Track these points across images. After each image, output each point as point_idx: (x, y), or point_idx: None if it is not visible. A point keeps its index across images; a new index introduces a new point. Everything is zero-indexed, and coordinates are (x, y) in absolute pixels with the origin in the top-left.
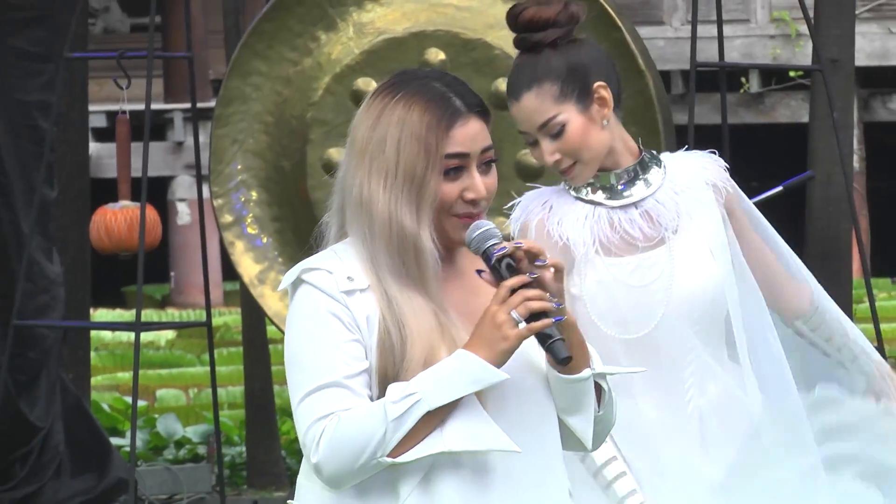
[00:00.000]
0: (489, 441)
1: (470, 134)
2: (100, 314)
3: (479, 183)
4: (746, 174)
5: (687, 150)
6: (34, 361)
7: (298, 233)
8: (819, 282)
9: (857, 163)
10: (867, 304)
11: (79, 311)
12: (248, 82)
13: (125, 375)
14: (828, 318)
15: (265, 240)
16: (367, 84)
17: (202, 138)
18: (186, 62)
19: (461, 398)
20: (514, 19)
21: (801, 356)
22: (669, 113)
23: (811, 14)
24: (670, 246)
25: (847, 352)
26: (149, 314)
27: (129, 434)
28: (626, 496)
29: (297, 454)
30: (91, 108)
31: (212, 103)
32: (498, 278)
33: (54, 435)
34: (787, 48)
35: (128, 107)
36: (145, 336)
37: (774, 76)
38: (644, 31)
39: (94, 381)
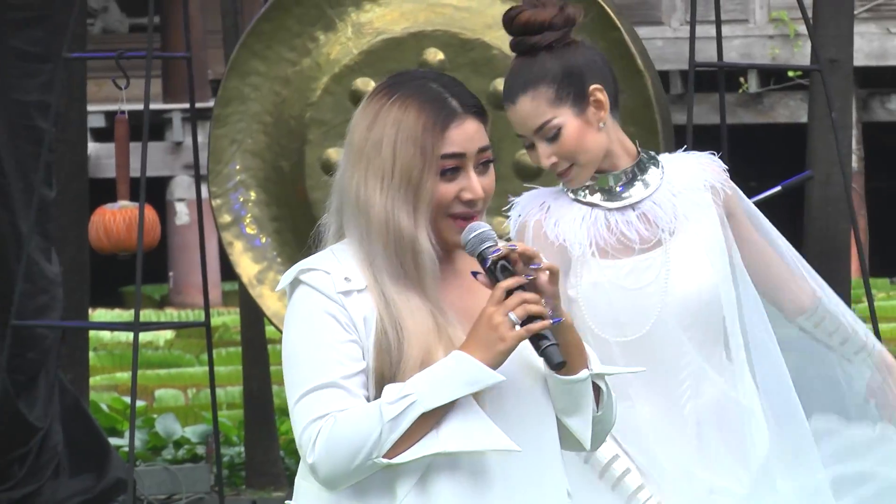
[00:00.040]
0: (487, 441)
1: (466, 134)
2: (98, 314)
3: (476, 183)
4: (745, 174)
5: (686, 150)
6: (33, 362)
7: (297, 233)
8: None
9: (855, 163)
10: (866, 303)
11: (77, 311)
12: (246, 82)
13: (124, 375)
14: (830, 314)
15: (264, 240)
16: (366, 84)
17: (201, 138)
18: (185, 62)
19: (458, 398)
20: (509, 22)
21: (804, 352)
22: (668, 113)
23: (810, 14)
24: (667, 248)
25: (851, 346)
26: (147, 314)
27: (127, 434)
28: (636, 490)
29: (296, 454)
30: (90, 108)
31: (210, 103)
32: (493, 280)
33: (53, 435)
34: (785, 48)
35: (126, 107)
36: (144, 336)
37: (773, 76)
38: (643, 32)
39: (92, 381)
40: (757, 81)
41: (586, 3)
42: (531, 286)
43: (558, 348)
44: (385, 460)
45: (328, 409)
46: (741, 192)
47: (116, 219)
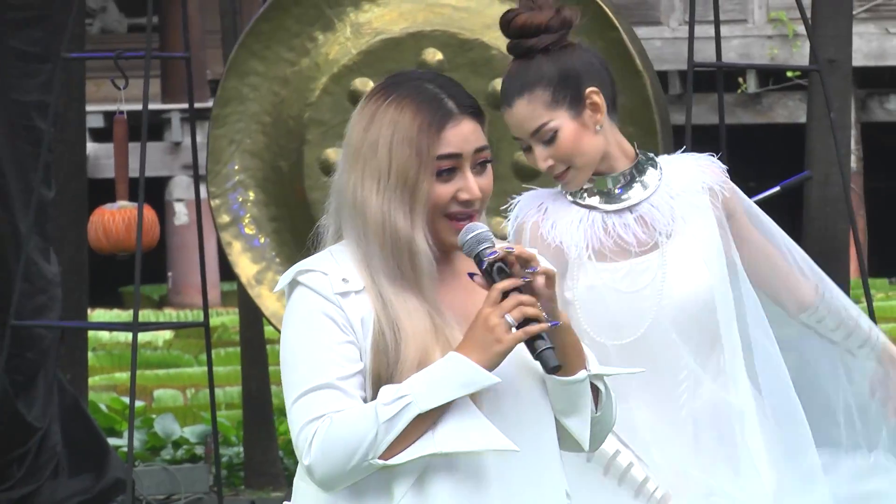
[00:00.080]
0: (483, 441)
1: (462, 135)
2: (97, 314)
3: (473, 183)
4: (744, 174)
5: (684, 150)
6: (32, 362)
7: (296, 233)
8: None
9: (854, 163)
10: (865, 304)
11: (76, 311)
12: (245, 83)
13: (123, 376)
14: (833, 310)
15: (262, 240)
16: (365, 84)
17: (200, 138)
18: (184, 62)
19: (454, 399)
20: (506, 25)
21: (805, 350)
22: (667, 113)
23: (808, 14)
24: (663, 251)
25: (854, 340)
26: (146, 314)
27: (126, 434)
28: (643, 482)
29: (295, 454)
30: (88, 108)
31: (209, 103)
32: (490, 282)
33: (52, 435)
34: (784, 48)
35: (125, 107)
36: (143, 336)
37: (772, 76)
38: (641, 32)
39: (91, 381)
40: (756, 82)
41: (584, 4)
42: (527, 288)
43: (554, 352)
44: (381, 461)
45: (324, 411)
46: (741, 192)
47: (115, 219)
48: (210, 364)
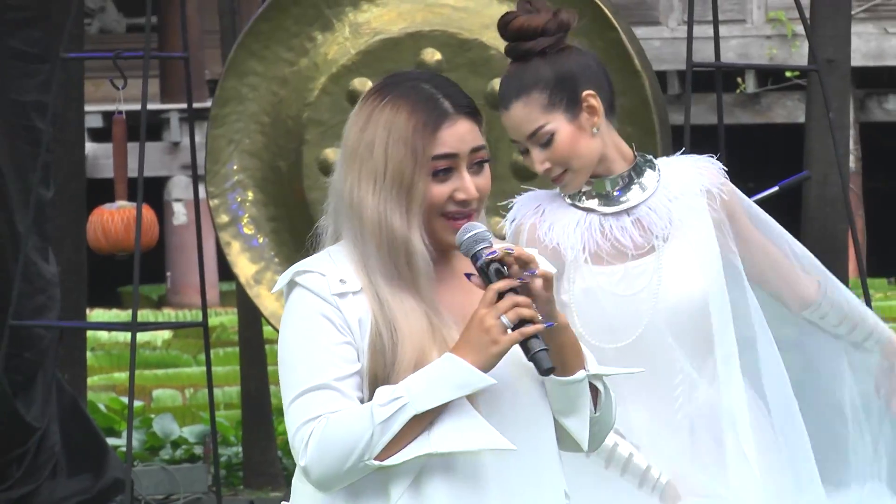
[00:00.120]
0: (479, 440)
1: (458, 134)
2: (96, 314)
3: (470, 183)
4: (743, 174)
5: (683, 150)
6: (30, 362)
7: (294, 233)
8: None
9: (853, 163)
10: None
11: (75, 311)
12: (244, 82)
13: (121, 376)
14: (836, 305)
15: (261, 240)
16: (364, 84)
17: (198, 138)
18: (183, 62)
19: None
20: (504, 27)
21: (809, 349)
22: (666, 113)
23: (807, 14)
24: (660, 254)
25: (859, 333)
26: (145, 314)
27: (125, 434)
28: (646, 470)
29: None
30: (87, 108)
31: (208, 103)
32: (486, 282)
33: (50, 435)
34: (783, 48)
35: (124, 107)
36: (142, 336)
37: (770, 76)
38: (640, 32)
39: (90, 381)
40: (754, 82)
41: (583, 4)
42: (524, 289)
43: (548, 353)
44: (377, 462)
45: (321, 411)
46: (740, 193)
47: (115, 219)
48: (209, 364)
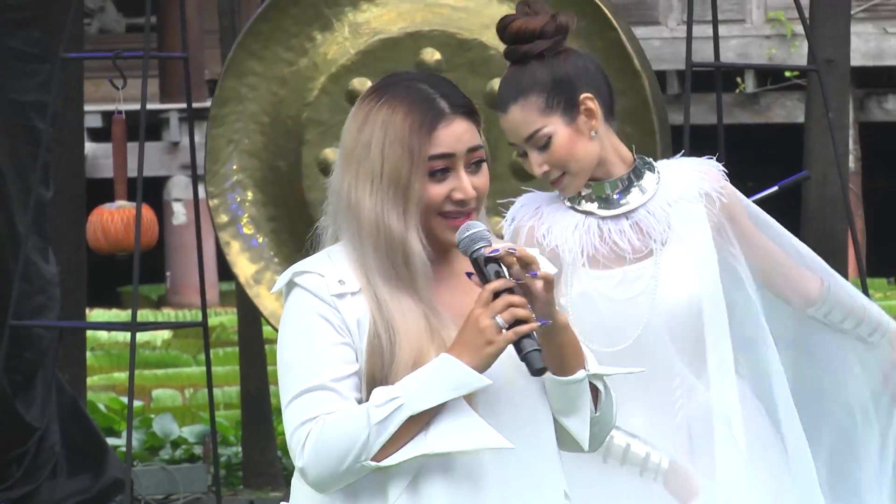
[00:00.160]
0: (476, 440)
1: (454, 134)
2: (96, 314)
3: (467, 183)
4: (742, 174)
5: (683, 150)
6: (30, 362)
7: (294, 233)
8: None
9: (852, 163)
10: None
11: (75, 311)
12: (243, 82)
13: (121, 375)
14: (839, 301)
15: (261, 240)
16: (363, 84)
17: (198, 138)
18: (182, 62)
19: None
20: (502, 30)
21: (821, 342)
22: (665, 113)
23: (807, 14)
24: (657, 258)
25: (865, 327)
26: (145, 314)
27: (125, 434)
28: (645, 458)
29: None
30: (87, 108)
31: (207, 103)
32: (484, 281)
33: (50, 435)
34: (782, 48)
35: (123, 107)
36: (141, 336)
37: (770, 76)
38: (640, 32)
39: (90, 381)
40: (754, 81)
41: (582, 4)
42: (522, 289)
43: (540, 353)
44: (373, 463)
45: (317, 412)
46: (741, 195)
47: (114, 219)
48: (208, 364)
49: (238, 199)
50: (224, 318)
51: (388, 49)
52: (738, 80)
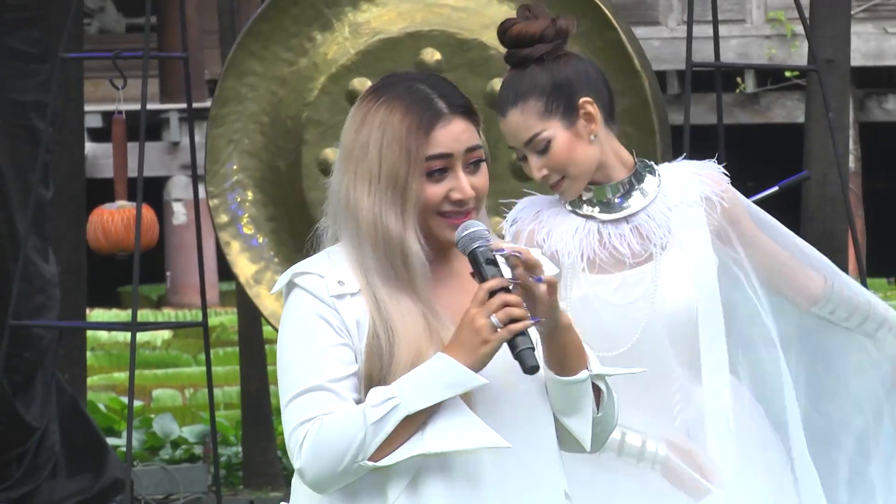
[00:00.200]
0: (473, 439)
1: (452, 134)
2: (96, 314)
3: (465, 183)
4: (742, 174)
5: (683, 150)
6: (30, 362)
7: (294, 233)
8: None
9: (852, 163)
10: None
11: (75, 311)
12: (243, 82)
13: (121, 375)
14: (843, 298)
15: (261, 240)
16: (363, 84)
17: (198, 138)
18: (182, 62)
19: (445, 399)
20: (503, 34)
21: (830, 341)
22: (665, 113)
23: (807, 14)
24: (657, 263)
25: (871, 323)
26: (145, 314)
27: (125, 434)
28: (642, 446)
29: None
30: (87, 108)
31: (207, 103)
32: (481, 280)
33: (50, 435)
34: (782, 48)
35: (124, 107)
36: (141, 336)
37: (770, 76)
38: (640, 32)
39: (90, 381)
40: (754, 81)
41: (582, 5)
42: (522, 290)
43: (533, 351)
44: (371, 463)
45: (315, 413)
46: (742, 197)
47: (115, 219)
48: (209, 364)
49: (238, 199)
50: (224, 318)
51: (388, 49)
52: (738, 80)
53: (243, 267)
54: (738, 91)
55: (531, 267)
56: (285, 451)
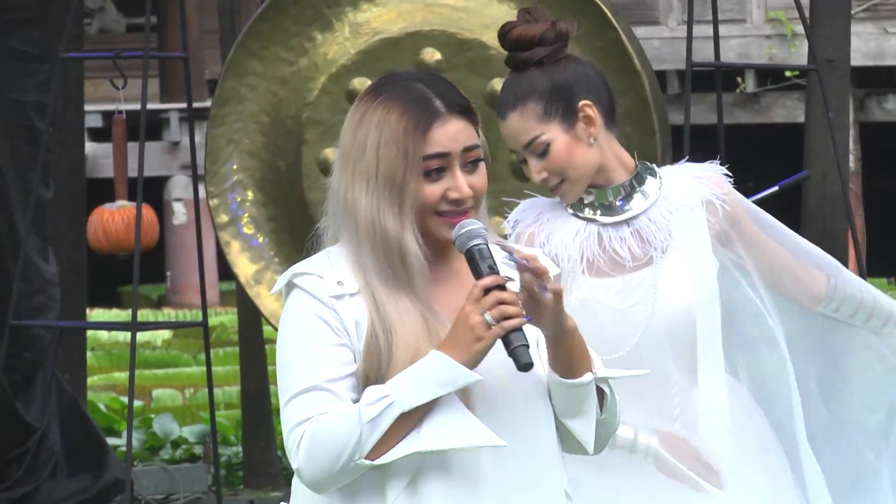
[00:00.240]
0: (469, 437)
1: (450, 134)
2: (96, 314)
3: (463, 182)
4: (742, 174)
5: (683, 150)
6: (30, 362)
7: (294, 233)
8: None
9: (852, 163)
10: None
11: (75, 311)
12: (243, 82)
13: (121, 375)
14: (847, 296)
15: (261, 240)
16: (363, 84)
17: (198, 138)
18: (182, 62)
19: (442, 397)
20: (503, 37)
21: (837, 340)
22: (665, 113)
23: (807, 14)
24: (657, 266)
25: (876, 320)
26: (145, 314)
27: (125, 434)
28: (633, 439)
29: None
30: (87, 108)
31: (208, 103)
32: (477, 277)
33: (50, 435)
34: (782, 48)
35: (124, 107)
36: (142, 336)
37: (770, 76)
38: (640, 32)
39: (90, 381)
40: (754, 81)
41: (582, 4)
42: (526, 295)
43: (527, 349)
44: (367, 462)
45: (312, 413)
46: (743, 199)
47: (115, 219)
48: (209, 364)
49: (238, 199)
50: (224, 317)
51: (389, 49)
52: (739, 79)
53: (243, 267)
54: (738, 91)
55: (539, 274)
56: (285, 451)
